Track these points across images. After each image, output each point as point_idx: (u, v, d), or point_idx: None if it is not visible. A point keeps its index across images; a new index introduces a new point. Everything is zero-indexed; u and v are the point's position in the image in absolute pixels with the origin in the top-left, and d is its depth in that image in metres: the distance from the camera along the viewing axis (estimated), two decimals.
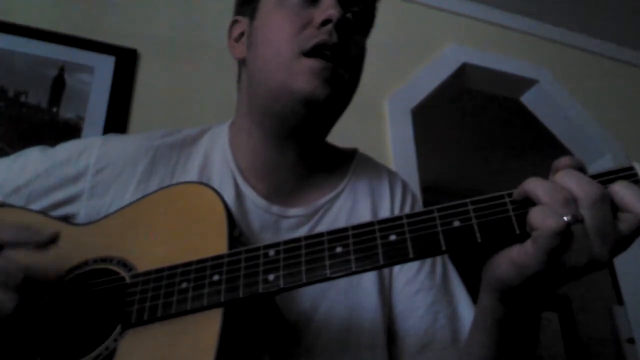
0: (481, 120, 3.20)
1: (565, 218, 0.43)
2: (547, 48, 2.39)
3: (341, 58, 0.67)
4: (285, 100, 0.67)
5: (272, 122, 0.70)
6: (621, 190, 0.45)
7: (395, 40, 2.04)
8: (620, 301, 3.17)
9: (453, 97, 2.76)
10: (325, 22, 0.65)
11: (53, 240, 0.56)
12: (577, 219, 0.43)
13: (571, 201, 0.44)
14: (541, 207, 0.44)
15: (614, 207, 0.45)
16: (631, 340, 3.01)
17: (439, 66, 2.08)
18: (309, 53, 0.66)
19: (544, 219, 0.43)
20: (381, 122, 1.87)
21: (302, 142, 0.73)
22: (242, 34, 0.76)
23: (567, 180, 0.45)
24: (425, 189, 1.88)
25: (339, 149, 0.83)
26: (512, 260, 0.47)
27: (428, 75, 2.03)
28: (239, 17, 0.78)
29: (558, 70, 2.32)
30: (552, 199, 0.44)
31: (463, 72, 2.15)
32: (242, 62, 0.76)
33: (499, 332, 0.54)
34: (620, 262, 2.18)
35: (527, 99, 2.33)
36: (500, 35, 2.31)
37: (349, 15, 0.69)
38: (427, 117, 2.11)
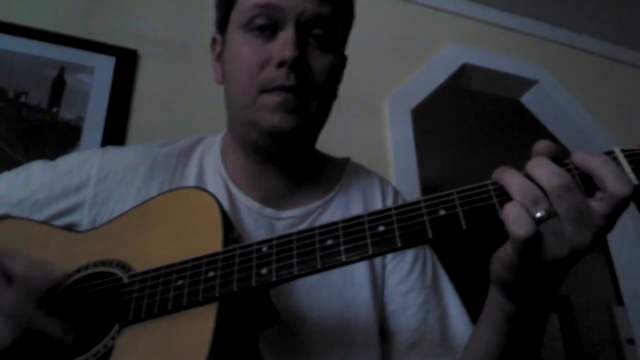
0: (481, 120, 3.21)
1: (538, 214, 0.45)
2: (547, 48, 2.39)
3: (303, 93, 0.67)
4: (255, 133, 0.69)
5: (250, 147, 0.73)
6: (600, 166, 0.45)
7: (395, 40, 2.04)
8: (620, 301, 3.17)
9: (453, 97, 2.76)
10: (280, 64, 0.66)
11: (58, 286, 0.57)
12: (550, 215, 0.45)
13: (541, 198, 0.45)
14: (512, 209, 0.45)
15: (592, 187, 0.46)
16: (631, 341, 3.00)
17: (439, 66, 2.08)
18: (269, 91, 0.66)
19: (514, 227, 0.44)
20: (381, 122, 1.87)
21: (284, 162, 0.74)
22: (220, 54, 0.78)
23: (535, 172, 0.46)
24: (425, 189, 1.88)
25: (331, 158, 0.85)
26: (500, 260, 0.49)
27: (428, 76, 2.03)
28: (217, 36, 0.79)
29: (558, 70, 2.32)
30: (523, 198, 0.45)
31: (463, 72, 2.15)
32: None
33: (507, 327, 0.55)
34: (620, 262, 2.18)
35: (527, 99, 2.33)
36: (500, 35, 2.31)
37: (314, 34, 0.68)
38: (427, 117, 2.11)
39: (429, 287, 0.74)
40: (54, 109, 1.48)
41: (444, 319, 0.73)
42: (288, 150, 0.72)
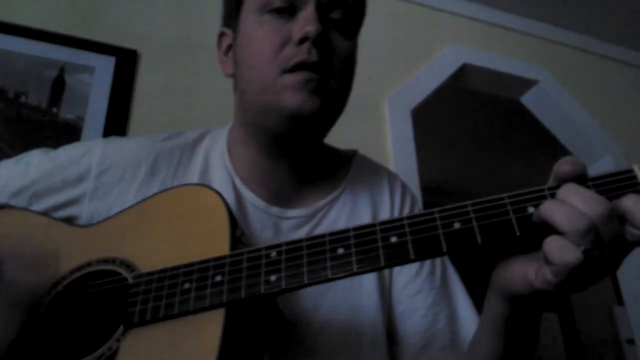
0: (481, 120, 3.21)
1: (586, 247, 0.42)
2: (547, 48, 2.39)
3: (324, 72, 0.65)
4: (275, 118, 0.66)
5: (266, 137, 0.70)
6: (633, 208, 0.44)
7: (395, 40, 2.04)
8: (620, 302, 3.17)
9: (453, 97, 2.76)
10: (302, 40, 0.64)
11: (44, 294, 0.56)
12: (596, 247, 0.43)
13: (593, 230, 0.43)
14: (558, 239, 0.43)
15: (620, 218, 0.45)
16: (631, 341, 3.01)
17: (439, 66, 2.08)
18: (290, 70, 0.64)
19: (562, 256, 0.42)
20: (381, 122, 1.87)
21: (297, 154, 0.73)
22: (229, 47, 0.75)
23: (575, 199, 0.44)
24: (425, 189, 1.88)
25: (338, 151, 0.83)
26: (526, 280, 0.47)
27: (428, 76, 2.03)
28: (225, 30, 0.76)
29: (558, 70, 2.32)
30: (571, 228, 0.43)
31: (463, 72, 2.15)
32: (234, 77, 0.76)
33: (505, 332, 0.54)
34: None
35: (527, 99, 2.33)
36: (500, 35, 2.31)
37: (333, 17, 0.67)
38: (427, 117, 2.11)
39: (438, 287, 0.73)
40: (54, 109, 1.47)
41: (454, 321, 0.71)
42: (306, 136, 0.70)
